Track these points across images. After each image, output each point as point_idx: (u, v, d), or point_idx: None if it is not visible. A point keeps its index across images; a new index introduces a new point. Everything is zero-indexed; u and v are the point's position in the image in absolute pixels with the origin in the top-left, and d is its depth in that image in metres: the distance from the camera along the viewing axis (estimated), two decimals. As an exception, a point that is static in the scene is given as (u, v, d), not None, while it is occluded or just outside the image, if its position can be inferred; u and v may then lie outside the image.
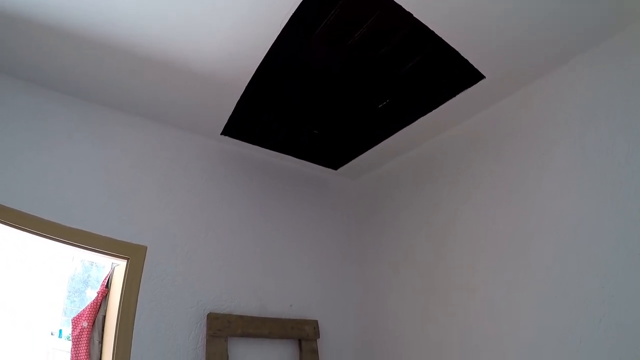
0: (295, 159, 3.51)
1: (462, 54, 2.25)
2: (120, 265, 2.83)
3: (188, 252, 2.91)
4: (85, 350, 2.94)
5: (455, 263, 2.62)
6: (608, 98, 2.03)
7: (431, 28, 2.07)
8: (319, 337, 3.15)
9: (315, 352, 3.05)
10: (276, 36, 2.20)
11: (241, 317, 2.88)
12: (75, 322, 3.07)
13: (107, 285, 3.07)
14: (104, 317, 3.03)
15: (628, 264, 1.77)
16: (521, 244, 2.25)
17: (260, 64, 2.40)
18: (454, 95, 2.58)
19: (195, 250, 2.95)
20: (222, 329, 2.75)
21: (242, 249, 3.14)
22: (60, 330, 5.16)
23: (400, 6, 1.94)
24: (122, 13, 2.11)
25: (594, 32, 2.07)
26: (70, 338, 3.10)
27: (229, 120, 2.96)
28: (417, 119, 2.84)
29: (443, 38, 2.13)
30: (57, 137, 2.68)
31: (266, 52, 2.31)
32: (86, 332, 2.98)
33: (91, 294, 4.79)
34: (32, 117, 2.63)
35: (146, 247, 2.75)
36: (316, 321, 3.19)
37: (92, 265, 5.50)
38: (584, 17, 1.99)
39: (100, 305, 3.04)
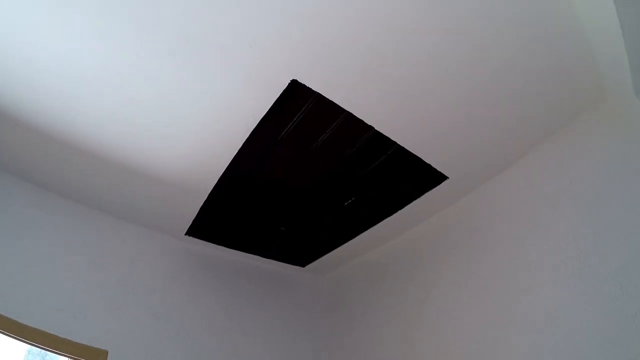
0: (262, 258, 3.40)
1: (424, 160, 2.31)
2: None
3: (151, 357, 2.68)
4: None
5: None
6: (571, 186, 2.05)
7: (393, 139, 2.13)
8: None
9: None
10: (242, 142, 2.22)
11: None
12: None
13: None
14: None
15: (604, 350, 1.70)
16: (494, 339, 2.16)
17: (226, 169, 2.39)
18: (419, 197, 2.61)
19: (159, 354, 2.72)
20: None
21: (208, 353, 2.92)
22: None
23: (361, 120, 2.00)
24: (91, 117, 2.12)
25: (550, 122, 2.14)
26: None
27: (193, 221, 2.88)
28: (383, 220, 2.83)
29: (405, 147, 2.19)
30: (15, 226, 2.51)
31: (232, 158, 2.32)
32: None
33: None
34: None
35: (107, 352, 2.52)
36: None
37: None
38: (538, 112, 2.07)
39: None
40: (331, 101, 1.96)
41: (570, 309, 1.88)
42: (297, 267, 3.59)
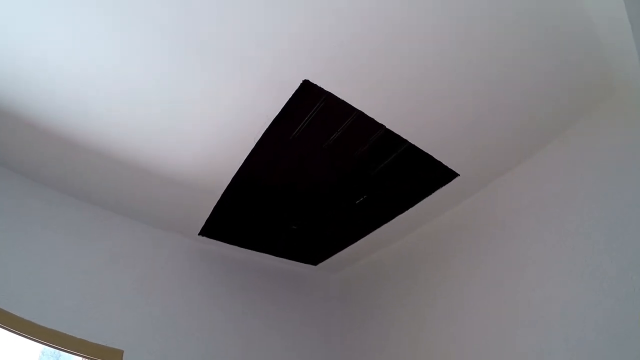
0: (274, 257, 3.44)
1: (435, 157, 2.32)
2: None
3: (167, 357, 2.72)
4: None
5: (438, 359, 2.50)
6: (582, 183, 2.05)
7: (404, 137, 2.15)
8: None
9: None
10: (254, 143, 2.25)
11: None
12: None
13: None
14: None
15: (615, 347, 1.70)
16: (504, 335, 2.17)
17: (238, 170, 2.43)
18: (430, 194, 2.63)
19: (174, 354, 2.74)
20: None
21: (224, 352, 2.95)
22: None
23: (372, 119, 2.02)
24: (105, 120, 2.16)
25: (560, 120, 2.14)
26: None
27: (206, 222, 2.92)
28: (394, 217, 2.85)
29: (416, 145, 2.21)
30: (30, 228, 2.54)
31: (244, 159, 2.35)
32: None
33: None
34: (4, 204, 2.50)
35: (122, 352, 2.55)
36: None
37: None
38: (548, 110, 2.07)
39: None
40: (342, 100, 1.98)
41: (580, 306, 1.88)
42: (309, 266, 3.62)
